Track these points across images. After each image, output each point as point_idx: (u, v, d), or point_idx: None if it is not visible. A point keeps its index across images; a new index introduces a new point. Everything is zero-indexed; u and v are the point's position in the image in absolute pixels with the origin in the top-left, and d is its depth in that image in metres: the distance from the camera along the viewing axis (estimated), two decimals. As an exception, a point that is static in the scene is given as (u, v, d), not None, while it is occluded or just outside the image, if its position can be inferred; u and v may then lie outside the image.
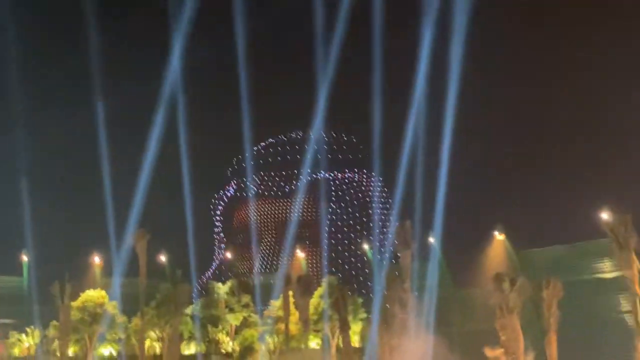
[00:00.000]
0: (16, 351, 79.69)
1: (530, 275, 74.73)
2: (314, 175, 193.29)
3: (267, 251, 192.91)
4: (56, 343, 76.95)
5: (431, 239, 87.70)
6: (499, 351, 62.30)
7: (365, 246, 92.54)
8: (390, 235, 72.04)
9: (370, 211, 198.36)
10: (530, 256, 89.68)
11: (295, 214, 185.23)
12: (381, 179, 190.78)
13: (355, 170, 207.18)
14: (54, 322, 77.39)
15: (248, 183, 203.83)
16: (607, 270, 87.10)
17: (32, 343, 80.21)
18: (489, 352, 62.40)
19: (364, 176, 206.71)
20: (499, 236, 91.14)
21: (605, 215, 69.70)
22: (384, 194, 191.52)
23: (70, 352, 77.24)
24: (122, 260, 75.56)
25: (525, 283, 64.60)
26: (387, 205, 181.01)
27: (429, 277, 76.91)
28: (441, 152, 74.39)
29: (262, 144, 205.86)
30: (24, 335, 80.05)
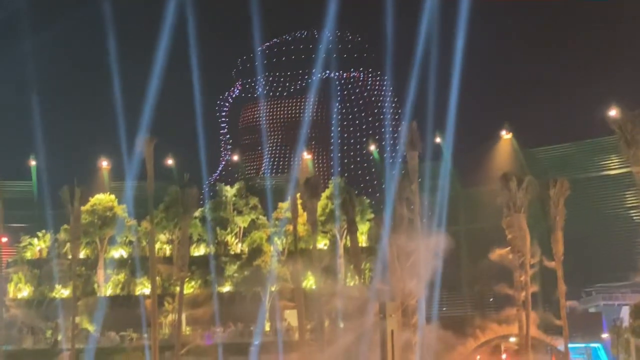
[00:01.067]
0: (28, 254, 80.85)
1: (537, 173, 74.87)
2: (320, 75, 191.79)
3: (274, 152, 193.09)
4: (67, 246, 77.98)
5: (438, 139, 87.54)
6: (505, 250, 62.80)
7: (372, 147, 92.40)
8: (397, 136, 71.73)
9: (377, 111, 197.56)
10: (537, 154, 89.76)
11: (303, 114, 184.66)
12: (387, 78, 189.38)
13: (362, 69, 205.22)
14: (65, 226, 78.19)
15: (259, 79, 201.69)
16: (614, 167, 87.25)
17: (43, 246, 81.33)
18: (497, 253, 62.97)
19: (370, 76, 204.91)
20: (505, 135, 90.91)
21: (613, 112, 69.14)
22: (391, 94, 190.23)
23: (82, 254, 78.36)
24: (131, 164, 75.80)
25: (532, 181, 64.47)
26: (394, 105, 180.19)
27: (440, 177, 77.10)
28: (453, 51, 73.32)
29: (267, 43, 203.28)
30: (35, 240, 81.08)
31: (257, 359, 70.07)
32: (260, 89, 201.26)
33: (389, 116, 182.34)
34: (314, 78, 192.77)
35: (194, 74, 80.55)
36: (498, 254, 63.32)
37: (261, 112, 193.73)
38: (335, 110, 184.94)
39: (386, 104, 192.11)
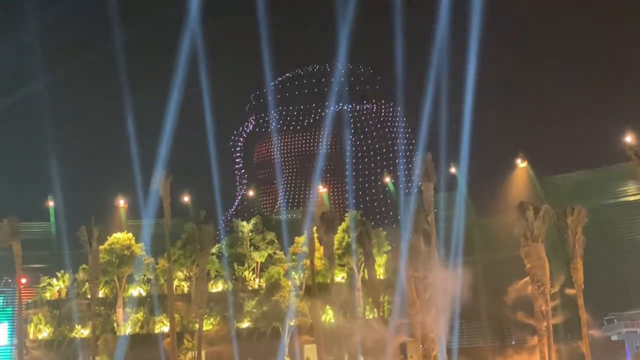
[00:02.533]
0: (47, 295, 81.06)
1: (554, 201, 74.63)
2: (333, 108, 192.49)
3: (289, 186, 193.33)
4: (86, 286, 78.16)
5: (453, 170, 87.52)
6: (524, 280, 62.58)
7: (387, 179, 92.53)
8: (411, 167, 71.84)
9: (391, 143, 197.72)
10: (553, 182, 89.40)
11: (317, 147, 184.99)
12: (400, 109, 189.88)
13: (374, 101, 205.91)
14: (84, 266, 78.47)
15: (272, 114, 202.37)
16: (631, 193, 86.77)
17: (62, 287, 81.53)
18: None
19: (384, 107, 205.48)
20: (521, 163, 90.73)
21: (628, 138, 69.05)
22: (404, 125, 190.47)
23: (101, 294, 78.52)
24: (147, 202, 76.19)
25: (549, 210, 64.42)
26: (408, 136, 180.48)
27: (456, 208, 76.95)
28: (465, 80, 73.58)
29: (279, 78, 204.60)
30: (54, 280, 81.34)
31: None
32: (273, 124, 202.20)
33: (402, 148, 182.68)
34: (327, 111, 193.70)
35: (207, 111, 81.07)
36: (519, 284, 63.12)
37: (275, 146, 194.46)
38: (349, 142, 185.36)
39: (400, 136, 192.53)
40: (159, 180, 72.25)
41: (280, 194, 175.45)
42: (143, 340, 75.78)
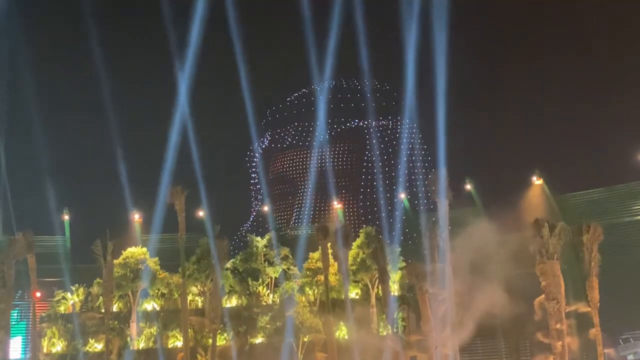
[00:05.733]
0: (62, 309, 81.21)
1: (570, 219, 74.21)
2: (348, 124, 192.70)
3: (303, 202, 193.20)
4: (101, 300, 78.27)
5: (468, 186, 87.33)
6: (540, 297, 62.24)
7: (402, 195, 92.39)
8: (427, 184, 71.63)
9: (406, 159, 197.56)
10: (569, 200, 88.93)
11: (333, 164, 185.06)
12: (415, 125, 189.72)
13: (389, 117, 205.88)
14: (98, 280, 78.61)
15: (288, 130, 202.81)
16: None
17: (77, 300, 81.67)
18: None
19: (398, 124, 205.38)
20: (536, 181, 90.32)
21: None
22: (419, 141, 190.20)
23: (115, 308, 78.59)
24: (162, 217, 76.44)
25: (564, 227, 64.16)
26: (423, 153, 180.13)
27: (471, 225, 76.58)
28: (482, 98, 73.62)
29: (295, 94, 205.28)
30: (69, 294, 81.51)
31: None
32: (289, 139, 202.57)
33: (418, 164, 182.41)
34: (343, 127, 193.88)
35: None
36: (537, 302, 62.75)
37: (291, 162, 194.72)
38: (361, 158, 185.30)
39: (415, 152, 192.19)
40: (173, 195, 72.50)
41: (294, 209, 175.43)
42: (156, 355, 75.64)
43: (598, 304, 62.16)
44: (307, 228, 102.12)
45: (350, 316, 71.00)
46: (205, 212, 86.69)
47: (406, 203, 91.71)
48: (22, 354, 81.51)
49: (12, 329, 74.45)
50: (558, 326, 60.85)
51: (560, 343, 60.57)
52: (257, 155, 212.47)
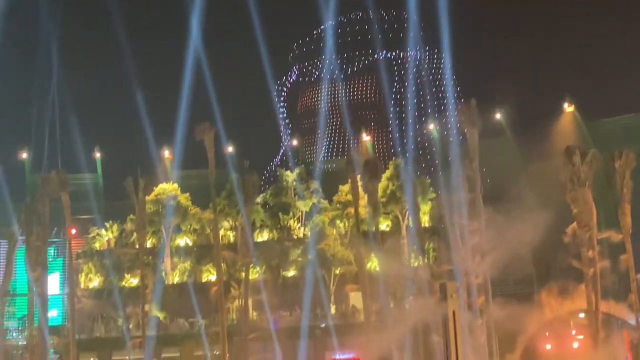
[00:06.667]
0: (97, 245, 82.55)
1: (602, 146, 73.30)
2: (378, 56, 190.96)
3: (333, 135, 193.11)
4: (135, 236, 79.36)
5: (498, 116, 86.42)
6: (572, 225, 61.99)
7: (432, 126, 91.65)
8: (456, 115, 70.94)
9: (436, 90, 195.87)
10: (601, 127, 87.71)
11: (361, 96, 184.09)
12: (445, 55, 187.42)
13: (419, 48, 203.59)
14: (131, 216, 79.58)
15: (317, 63, 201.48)
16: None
17: (111, 237, 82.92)
18: None
19: (429, 55, 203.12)
20: (568, 108, 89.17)
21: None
22: (450, 72, 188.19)
23: (149, 244, 79.67)
24: (192, 153, 76.70)
25: (596, 155, 63.52)
26: (453, 83, 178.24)
27: (501, 155, 76.21)
28: (512, 25, 72.29)
29: (323, 26, 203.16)
30: (103, 231, 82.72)
31: (324, 342, 70.59)
32: (318, 73, 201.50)
33: (448, 95, 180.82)
34: (372, 59, 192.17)
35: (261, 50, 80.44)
36: (569, 230, 62.52)
37: (320, 95, 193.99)
38: (390, 90, 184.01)
39: (445, 83, 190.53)
40: (202, 131, 72.69)
41: (323, 142, 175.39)
42: (191, 289, 76.82)
43: (630, 231, 61.89)
44: (337, 161, 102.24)
45: (381, 248, 71.27)
46: (234, 147, 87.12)
47: (435, 134, 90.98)
48: (60, 289, 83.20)
49: (49, 265, 75.88)
50: (590, 253, 60.76)
51: (592, 270, 60.54)
52: (285, 89, 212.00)
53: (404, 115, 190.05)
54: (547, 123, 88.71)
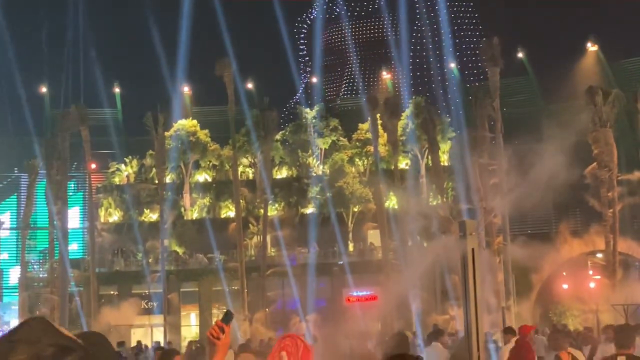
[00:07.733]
0: (116, 180, 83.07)
1: (626, 86, 72.50)
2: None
3: (353, 73, 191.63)
4: (154, 171, 79.72)
5: (520, 54, 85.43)
6: (592, 165, 61.59)
7: (452, 64, 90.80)
8: (477, 53, 70.02)
9: (457, 28, 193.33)
10: (625, 66, 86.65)
11: (383, 34, 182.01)
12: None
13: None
14: (150, 152, 79.80)
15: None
16: None
17: (130, 172, 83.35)
18: None
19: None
20: (591, 47, 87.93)
21: None
22: (470, 10, 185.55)
23: (168, 179, 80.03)
24: (211, 88, 76.39)
25: (619, 94, 62.78)
26: (475, 21, 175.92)
27: (522, 94, 75.46)
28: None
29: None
30: (122, 165, 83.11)
31: (341, 280, 71.12)
32: (339, 9, 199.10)
33: (469, 32, 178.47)
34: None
35: None
36: (589, 169, 62.11)
37: (341, 32, 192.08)
38: (411, 28, 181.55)
39: (466, 20, 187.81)
40: (222, 67, 72.24)
41: (342, 80, 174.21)
42: (209, 225, 77.35)
43: (651, 171, 61.57)
44: (357, 99, 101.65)
45: (400, 186, 71.24)
46: (254, 84, 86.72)
47: (456, 72, 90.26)
48: (80, 223, 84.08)
49: (69, 199, 76.51)
50: (610, 194, 60.46)
51: (611, 210, 60.32)
52: (306, 26, 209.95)
53: (423, 54, 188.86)
54: (570, 62, 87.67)
